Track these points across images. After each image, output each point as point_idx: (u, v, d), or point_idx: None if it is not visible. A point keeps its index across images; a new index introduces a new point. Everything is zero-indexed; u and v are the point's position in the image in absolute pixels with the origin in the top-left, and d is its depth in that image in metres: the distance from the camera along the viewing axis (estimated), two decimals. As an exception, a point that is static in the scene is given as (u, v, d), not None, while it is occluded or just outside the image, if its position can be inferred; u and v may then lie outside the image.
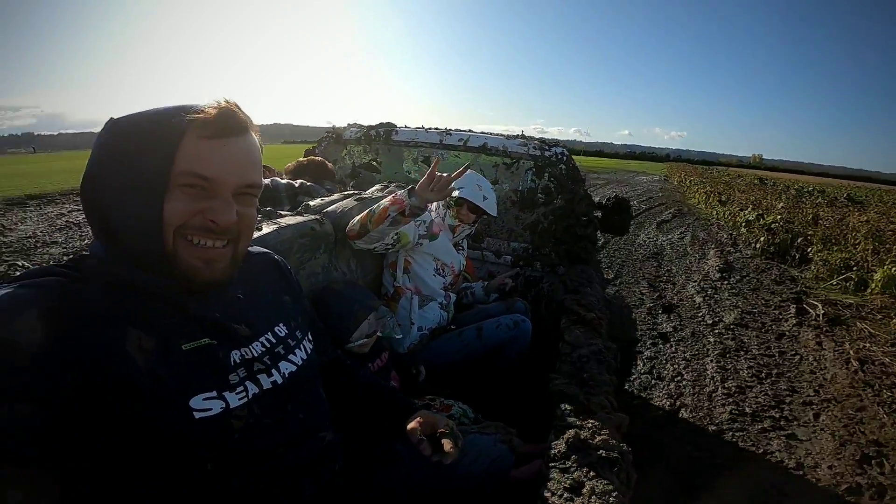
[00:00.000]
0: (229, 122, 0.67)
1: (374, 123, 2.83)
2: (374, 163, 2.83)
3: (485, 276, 2.56)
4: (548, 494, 0.85)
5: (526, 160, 2.57)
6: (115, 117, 0.69)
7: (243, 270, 0.83)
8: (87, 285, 0.63)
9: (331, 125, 3.35)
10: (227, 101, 0.69)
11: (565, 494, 0.85)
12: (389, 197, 1.54)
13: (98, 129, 0.71)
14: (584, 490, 0.86)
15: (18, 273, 0.66)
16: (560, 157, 2.50)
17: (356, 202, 1.80)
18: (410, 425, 0.96)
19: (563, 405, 1.13)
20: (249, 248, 0.89)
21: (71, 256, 0.72)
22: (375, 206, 1.56)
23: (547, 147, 2.54)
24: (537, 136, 2.68)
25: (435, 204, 1.97)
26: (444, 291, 1.97)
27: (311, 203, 1.70)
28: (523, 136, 2.65)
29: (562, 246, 2.37)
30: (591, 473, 0.90)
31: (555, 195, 2.47)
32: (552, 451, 0.97)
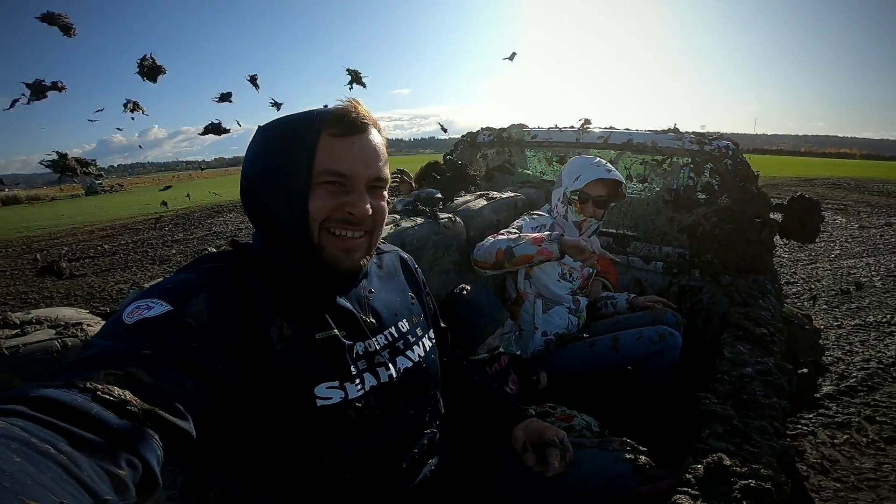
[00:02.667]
0: (355, 119, 0.73)
1: (506, 126, 2.80)
2: (508, 164, 2.79)
3: (630, 285, 2.34)
4: None
5: (681, 156, 2.28)
6: (262, 125, 0.78)
7: (375, 266, 0.91)
8: (245, 271, 0.71)
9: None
10: (351, 100, 0.75)
11: None
12: (534, 243, 1.52)
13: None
14: None
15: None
16: (725, 150, 2.17)
17: (486, 202, 1.87)
18: (516, 434, 0.94)
19: (711, 426, 0.99)
20: (381, 247, 0.99)
21: (237, 241, 0.81)
22: (514, 244, 1.54)
23: (707, 140, 2.22)
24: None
25: (548, 210, 1.88)
26: (572, 296, 1.85)
27: (444, 202, 1.75)
28: (676, 130, 2.37)
29: (728, 252, 2.05)
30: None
31: (719, 193, 2.14)
32: (686, 476, 0.84)
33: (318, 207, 0.72)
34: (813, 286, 4.55)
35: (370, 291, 0.85)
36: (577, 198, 1.76)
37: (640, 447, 1.02)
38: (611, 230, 2.47)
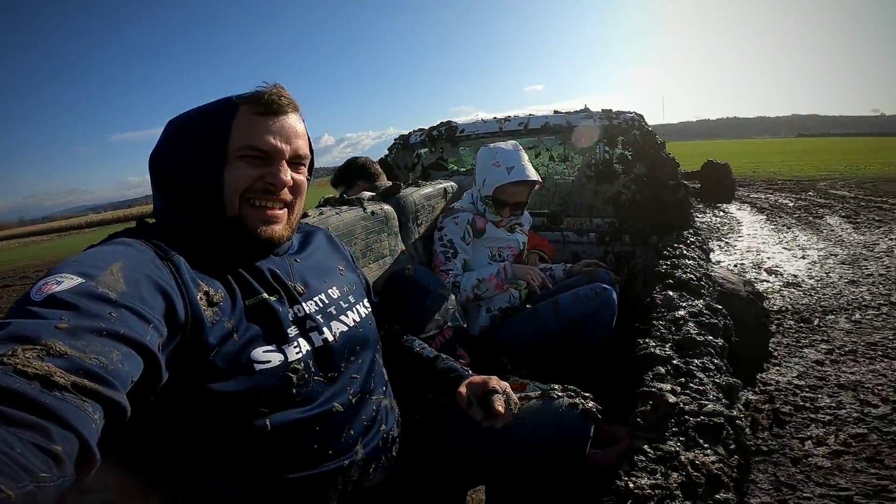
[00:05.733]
0: (276, 100, 0.76)
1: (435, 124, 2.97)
2: (441, 161, 2.96)
3: (569, 258, 2.51)
4: (631, 469, 0.74)
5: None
6: (172, 118, 0.80)
7: (300, 242, 0.94)
8: (161, 242, 0.69)
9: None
10: (276, 84, 0.78)
11: (653, 468, 0.74)
12: (497, 288, 1.79)
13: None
14: (678, 463, 0.74)
15: None
16: (632, 122, 2.39)
17: (416, 189, 1.97)
18: (459, 391, 0.92)
19: (654, 369, 1.01)
20: (305, 225, 1.02)
21: (143, 220, 0.80)
22: (482, 292, 1.78)
23: (615, 115, 2.44)
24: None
25: (471, 202, 1.96)
26: None
27: (373, 192, 1.85)
28: (587, 109, 2.57)
29: (650, 215, 2.26)
30: (689, 443, 0.79)
31: (633, 163, 2.38)
32: (637, 420, 0.87)
33: (237, 178, 0.74)
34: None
35: (296, 261, 0.87)
36: (490, 202, 1.85)
37: (585, 393, 1.01)
38: (543, 210, 2.63)
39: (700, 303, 1.33)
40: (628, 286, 2.11)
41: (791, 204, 8.71)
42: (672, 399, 0.89)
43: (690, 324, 1.20)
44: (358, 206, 1.57)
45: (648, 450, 0.78)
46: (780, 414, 2.27)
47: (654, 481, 0.71)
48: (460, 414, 0.92)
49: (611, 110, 2.50)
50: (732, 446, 0.82)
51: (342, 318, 0.86)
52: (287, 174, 0.77)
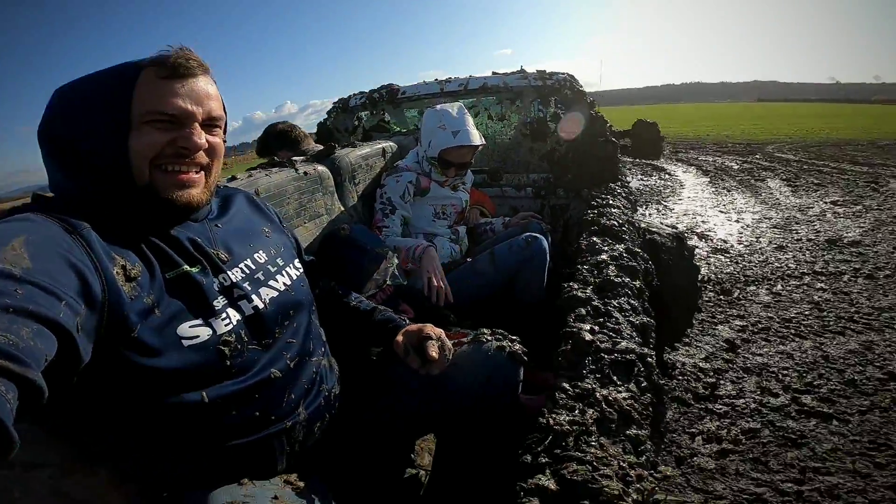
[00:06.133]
0: (183, 63, 0.70)
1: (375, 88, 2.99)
2: (383, 123, 2.97)
3: (507, 212, 2.59)
4: (552, 407, 0.78)
5: (529, 91, 2.61)
6: (60, 87, 0.72)
7: (220, 207, 0.88)
8: (65, 215, 0.64)
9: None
10: (182, 47, 0.73)
11: (572, 405, 0.78)
12: (405, 257, 1.70)
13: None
14: (594, 399, 0.78)
15: None
16: (563, 82, 2.50)
17: (352, 149, 2.00)
18: (396, 339, 0.95)
19: (575, 310, 1.06)
20: (224, 188, 0.97)
21: (39, 195, 0.72)
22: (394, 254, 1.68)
23: (548, 76, 2.55)
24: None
25: (416, 161, 1.98)
26: (450, 228, 2.01)
27: (309, 153, 1.87)
28: (522, 71, 2.68)
29: (582, 169, 2.39)
30: (604, 380, 0.83)
31: None
32: (559, 360, 0.91)
33: (144, 144, 0.68)
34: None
35: (216, 226, 0.83)
36: (436, 162, 1.90)
37: (512, 336, 1.03)
38: (484, 168, 2.72)
39: (621, 247, 1.39)
40: (563, 237, 2.19)
41: (736, 167, 8.65)
42: (589, 337, 0.93)
43: (611, 267, 1.26)
44: (289, 168, 1.56)
45: (568, 387, 0.82)
46: (679, 402, 2.18)
47: (572, 417, 0.75)
48: (397, 364, 0.96)
49: (545, 71, 2.60)
50: (644, 384, 0.86)
51: (271, 283, 0.84)
52: (201, 137, 0.72)
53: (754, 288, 3.48)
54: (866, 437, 1.87)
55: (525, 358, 0.99)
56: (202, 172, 0.76)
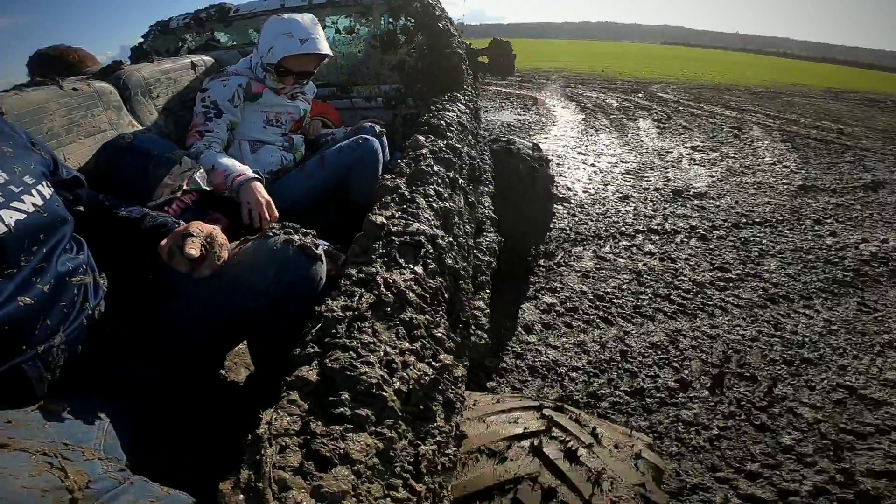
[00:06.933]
0: None
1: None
2: (212, 42, 2.73)
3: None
4: (335, 294, 0.75)
5: (380, 6, 2.58)
6: None
7: None
8: None
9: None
10: None
11: (352, 290, 0.75)
12: (221, 181, 1.51)
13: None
14: (374, 283, 0.75)
15: None
16: None
17: (147, 64, 1.85)
18: (160, 244, 0.88)
19: (382, 199, 1.05)
20: None
21: None
22: (210, 175, 1.51)
23: None
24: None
25: (248, 67, 1.83)
26: (283, 136, 1.90)
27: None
28: None
29: (431, 79, 2.42)
30: (390, 263, 0.81)
31: (415, 33, 2.53)
32: (354, 246, 0.89)
33: None
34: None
35: None
36: (273, 69, 1.77)
37: (305, 229, 0.98)
38: (332, 81, 2.70)
39: (442, 143, 1.40)
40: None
41: (615, 104, 8.29)
42: (380, 220, 0.91)
43: (428, 159, 1.25)
44: (53, 86, 1.42)
45: (353, 273, 0.79)
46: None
47: (346, 303, 0.71)
48: (173, 271, 0.88)
49: None
50: (432, 266, 0.85)
51: (15, 204, 0.77)
52: None
53: (580, 250, 2.97)
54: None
55: (317, 251, 0.93)
56: None
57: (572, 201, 3.77)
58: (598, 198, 3.89)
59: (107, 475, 0.60)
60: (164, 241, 0.86)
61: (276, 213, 1.45)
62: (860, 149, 6.28)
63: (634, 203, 3.78)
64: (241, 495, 0.45)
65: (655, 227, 3.36)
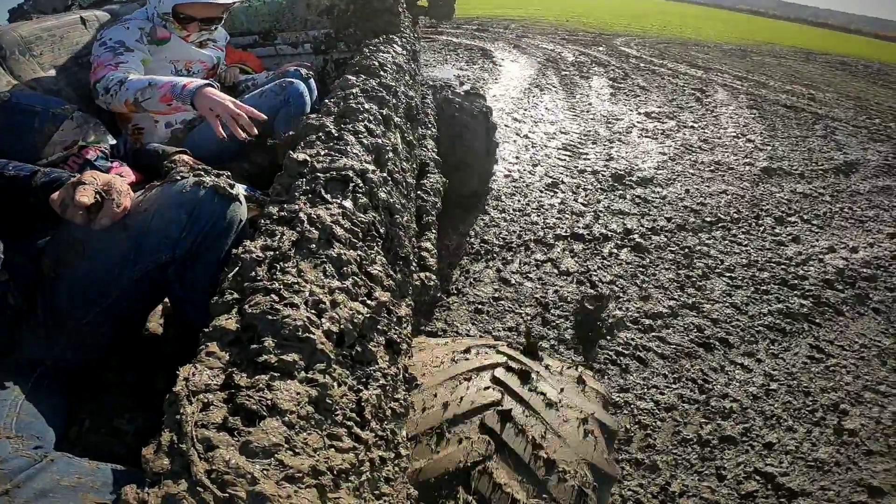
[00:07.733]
0: None
1: None
2: None
3: None
4: (256, 235, 0.72)
5: None
6: None
7: None
8: None
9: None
10: None
11: (273, 230, 0.71)
12: (162, 101, 1.39)
13: None
14: (297, 220, 0.72)
15: None
16: None
17: (24, 23, 1.75)
18: (51, 197, 0.82)
19: (307, 137, 1.02)
20: None
21: None
22: (143, 99, 1.40)
23: None
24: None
25: (145, 16, 1.69)
26: None
27: None
28: None
29: (363, 22, 2.39)
30: (314, 200, 0.78)
31: None
32: (275, 186, 0.86)
33: None
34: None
35: None
36: (170, 17, 1.67)
37: (220, 171, 0.92)
38: (253, 29, 2.53)
39: (374, 81, 1.35)
40: None
41: (571, 58, 7.43)
42: (302, 157, 0.88)
43: (360, 98, 1.21)
44: None
45: (273, 211, 0.76)
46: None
47: (265, 243, 0.69)
48: (73, 227, 0.82)
49: None
50: (363, 200, 0.83)
51: None
52: None
53: (481, 268, 2.20)
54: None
55: (233, 192, 0.87)
56: None
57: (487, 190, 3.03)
58: (521, 184, 3.13)
59: (17, 454, 0.59)
60: (55, 194, 0.81)
61: (263, 115, 1.35)
62: (832, 119, 5.73)
63: (563, 194, 3.05)
64: (166, 459, 0.44)
65: (581, 231, 2.67)
